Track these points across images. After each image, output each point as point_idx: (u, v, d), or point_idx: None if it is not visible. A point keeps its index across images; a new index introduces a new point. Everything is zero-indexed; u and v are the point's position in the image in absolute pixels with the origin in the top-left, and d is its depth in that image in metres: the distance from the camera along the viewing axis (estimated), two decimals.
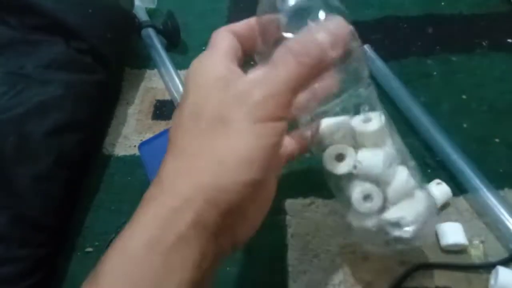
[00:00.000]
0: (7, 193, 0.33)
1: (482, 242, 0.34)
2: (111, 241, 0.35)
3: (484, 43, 0.49)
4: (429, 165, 0.39)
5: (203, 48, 0.53)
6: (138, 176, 0.40)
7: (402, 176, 0.27)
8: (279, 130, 0.20)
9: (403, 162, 0.28)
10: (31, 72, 0.40)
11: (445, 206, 0.36)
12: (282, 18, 0.23)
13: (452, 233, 0.33)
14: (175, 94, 0.45)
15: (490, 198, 0.34)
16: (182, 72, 0.49)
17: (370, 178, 0.26)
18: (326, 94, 0.25)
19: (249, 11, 0.63)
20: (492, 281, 0.31)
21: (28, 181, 0.34)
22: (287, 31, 0.22)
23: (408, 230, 0.26)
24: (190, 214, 0.19)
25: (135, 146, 0.43)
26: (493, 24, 0.51)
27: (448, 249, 0.34)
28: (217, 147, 0.20)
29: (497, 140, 0.40)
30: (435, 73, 0.47)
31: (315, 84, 0.23)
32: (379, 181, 0.26)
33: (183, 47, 0.52)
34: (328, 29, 0.21)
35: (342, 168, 0.26)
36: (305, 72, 0.20)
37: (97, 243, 0.36)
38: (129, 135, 0.44)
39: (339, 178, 0.27)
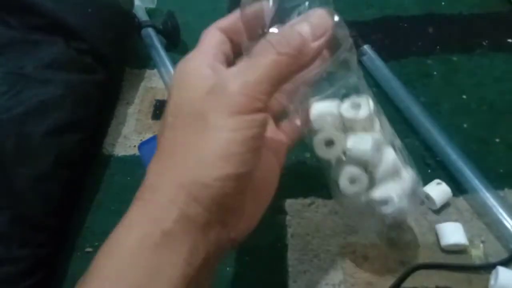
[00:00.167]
0: (7, 193, 0.33)
1: (482, 242, 0.34)
2: None
3: (484, 43, 0.49)
4: (429, 165, 0.39)
5: None
6: (138, 176, 0.40)
7: (389, 157, 0.27)
8: (258, 122, 0.20)
9: (390, 142, 0.28)
10: (31, 72, 0.40)
11: (445, 206, 0.36)
12: (266, 11, 0.23)
13: (453, 233, 0.33)
14: None
15: (490, 199, 0.34)
16: None
17: (358, 162, 0.27)
18: (313, 81, 0.25)
19: None
20: (492, 281, 0.31)
21: (28, 181, 0.34)
22: (271, 25, 0.22)
23: (394, 208, 0.27)
24: (175, 211, 0.19)
25: (135, 146, 0.43)
26: (493, 24, 0.51)
27: (448, 249, 0.34)
28: (195, 143, 0.20)
29: (497, 140, 0.40)
30: (435, 73, 0.47)
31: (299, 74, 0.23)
32: (368, 164, 0.27)
33: (183, 47, 0.52)
34: (309, 21, 0.21)
35: (331, 154, 0.27)
36: (284, 62, 0.20)
37: (97, 243, 0.36)
38: (129, 135, 0.44)
39: (329, 162, 0.28)
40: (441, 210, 0.36)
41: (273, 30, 0.22)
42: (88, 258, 0.35)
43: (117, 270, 0.19)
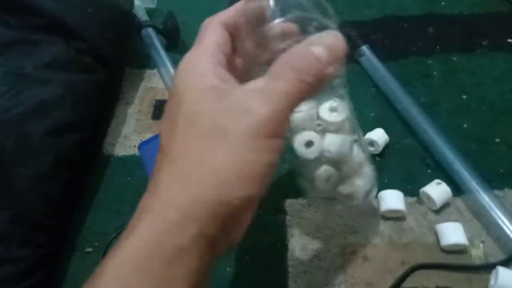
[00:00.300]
0: (7, 193, 0.33)
1: (482, 242, 0.34)
2: (111, 241, 0.35)
3: (484, 43, 0.49)
4: (429, 165, 0.39)
5: None
6: (138, 176, 0.40)
7: (356, 156, 0.30)
8: (279, 146, 0.20)
9: (357, 140, 0.31)
10: (31, 72, 0.40)
11: (445, 206, 0.36)
12: (270, 4, 0.22)
13: (453, 233, 0.33)
14: None
15: (490, 199, 0.34)
16: None
17: (334, 161, 0.30)
18: None
19: None
20: (492, 281, 0.31)
21: (28, 181, 0.34)
22: (273, 19, 0.22)
23: (357, 201, 0.32)
24: (194, 228, 0.19)
25: (135, 146, 0.43)
26: (493, 24, 0.51)
27: (448, 249, 0.34)
28: (217, 160, 0.19)
29: (497, 140, 0.40)
30: (435, 73, 0.47)
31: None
32: (340, 163, 0.30)
33: (183, 46, 0.52)
34: (326, 45, 0.21)
35: (310, 154, 0.29)
36: (305, 90, 0.20)
37: (97, 243, 0.36)
38: (129, 135, 0.44)
39: (307, 161, 0.29)
40: (441, 210, 0.36)
41: (277, 20, 0.22)
42: (88, 258, 0.36)
43: (123, 280, 0.19)
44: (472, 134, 0.41)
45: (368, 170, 0.32)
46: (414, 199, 0.37)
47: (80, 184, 0.40)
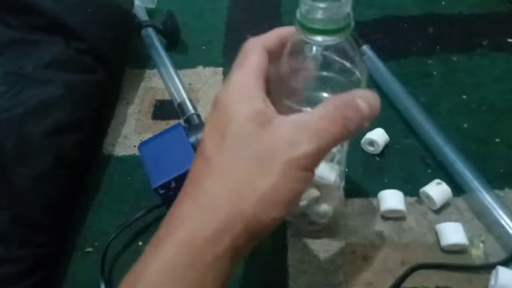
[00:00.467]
0: (7, 193, 0.33)
1: (482, 242, 0.34)
2: (111, 241, 0.35)
3: (484, 43, 0.49)
4: (429, 165, 0.39)
5: (203, 47, 0.53)
6: (138, 176, 0.40)
7: (336, 180, 0.32)
8: (311, 178, 0.22)
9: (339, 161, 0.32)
10: (31, 72, 0.40)
11: (445, 206, 0.36)
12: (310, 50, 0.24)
13: (453, 233, 0.33)
14: (175, 94, 0.45)
15: (490, 199, 0.34)
16: (182, 72, 0.49)
17: (319, 185, 0.32)
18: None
19: (249, 11, 0.64)
20: (492, 281, 0.31)
21: (28, 181, 0.34)
22: (310, 63, 0.24)
23: (328, 219, 0.35)
24: (229, 239, 0.21)
25: (135, 146, 0.43)
26: (494, 24, 0.51)
27: (449, 249, 0.34)
28: (261, 184, 0.21)
29: (497, 140, 0.40)
30: (435, 73, 0.47)
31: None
32: (322, 186, 0.32)
33: (183, 46, 0.52)
34: (369, 102, 0.23)
35: None
36: (346, 136, 0.22)
37: (97, 243, 0.36)
38: (129, 135, 0.44)
39: None
40: (441, 210, 0.36)
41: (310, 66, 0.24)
42: (88, 258, 0.36)
43: (164, 282, 0.20)
44: (472, 134, 0.41)
45: (341, 195, 0.35)
46: (414, 199, 0.37)
47: (80, 184, 0.40)
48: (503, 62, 0.47)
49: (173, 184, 0.34)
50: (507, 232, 0.33)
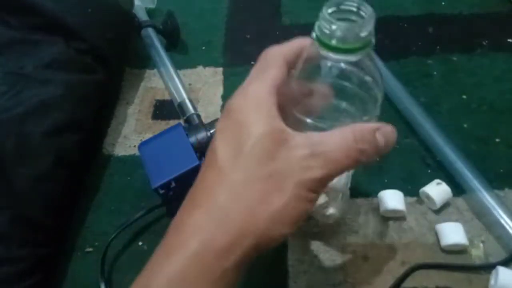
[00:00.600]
0: (7, 193, 0.33)
1: (482, 242, 0.34)
2: (111, 241, 0.35)
3: (484, 43, 0.49)
4: (429, 165, 0.39)
5: (203, 47, 0.53)
6: (138, 176, 0.40)
7: (345, 188, 0.34)
8: (317, 198, 0.23)
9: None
10: (31, 72, 0.40)
11: (445, 206, 0.36)
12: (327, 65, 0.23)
13: (453, 233, 0.33)
14: (175, 94, 0.45)
15: (490, 199, 0.34)
16: (181, 72, 0.49)
17: (327, 191, 0.32)
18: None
19: (249, 11, 0.63)
20: (492, 281, 0.31)
21: (28, 181, 0.34)
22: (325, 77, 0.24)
23: (333, 220, 0.35)
24: (239, 253, 0.21)
25: (134, 146, 0.43)
26: (494, 24, 0.51)
27: (449, 249, 0.34)
28: (274, 203, 0.22)
29: (497, 140, 0.40)
30: (435, 73, 0.47)
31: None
32: (331, 192, 0.33)
33: (183, 46, 0.52)
34: (387, 138, 0.23)
35: None
36: (355, 165, 0.23)
37: (96, 243, 0.36)
38: (128, 135, 0.44)
39: None
40: (441, 210, 0.36)
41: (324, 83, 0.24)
42: (88, 258, 0.36)
43: None
44: (472, 134, 0.41)
45: (347, 194, 0.35)
46: (414, 199, 0.37)
47: (80, 184, 0.40)
48: (503, 62, 0.47)
49: (173, 184, 0.34)
50: (507, 232, 0.33)
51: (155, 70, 0.50)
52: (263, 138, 0.22)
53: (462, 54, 0.48)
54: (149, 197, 0.37)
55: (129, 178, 0.41)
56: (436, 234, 0.35)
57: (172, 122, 0.45)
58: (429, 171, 0.39)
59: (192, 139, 0.36)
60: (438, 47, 0.49)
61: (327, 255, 0.34)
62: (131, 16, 0.51)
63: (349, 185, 0.34)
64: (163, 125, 0.45)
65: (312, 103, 0.25)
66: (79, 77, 0.42)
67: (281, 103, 0.24)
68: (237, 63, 0.50)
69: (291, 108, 0.24)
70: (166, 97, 0.47)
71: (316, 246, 0.35)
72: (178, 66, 0.49)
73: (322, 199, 0.33)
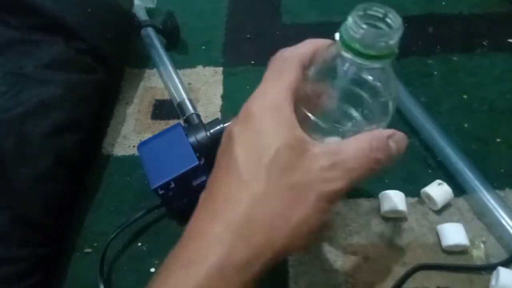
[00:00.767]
0: (7, 193, 0.33)
1: (483, 242, 0.34)
2: (110, 241, 0.35)
3: (484, 43, 0.49)
4: (430, 165, 0.39)
5: (203, 47, 0.53)
6: (137, 177, 0.40)
7: None
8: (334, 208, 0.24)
9: None
10: (31, 72, 0.39)
11: (446, 206, 0.36)
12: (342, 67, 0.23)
13: (454, 234, 0.33)
14: (175, 94, 0.45)
15: (491, 200, 0.34)
16: (181, 72, 0.49)
17: None
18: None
19: (249, 11, 0.63)
20: (493, 282, 0.31)
21: (28, 181, 0.34)
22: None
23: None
24: (257, 267, 0.21)
25: (134, 146, 0.43)
26: (494, 24, 0.51)
27: (450, 250, 0.34)
28: (295, 216, 0.22)
29: (498, 140, 0.40)
30: (435, 72, 0.47)
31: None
32: None
33: (182, 46, 0.52)
34: (399, 146, 0.24)
35: None
36: (371, 174, 0.23)
37: (96, 244, 0.36)
38: (128, 135, 0.44)
39: None
40: (442, 211, 0.36)
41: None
42: (88, 259, 0.35)
43: None
44: (473, 134, 0.41)
45: None
46: (415, 199, 0.37)
47: (79, 184, 0.40)
48: (503, 62, 0.47)
49: (173, 185, 0.34)
50: (508, 232, 0.33)
51: (154, 70, 0.50)
52: (284, 148, 0.22)
53: (463, 54, 0.48)
54: (148, 198, 0.37)
55: (128, 178, 0.41)
56: (437, 235, 0.35)
57: (172, 122, 0.45)
58: (430, 171, 0.39)
59: (192, 139, 0.36)
60: (438, 47, 0.49)
61: (328, 255, 0.34)
62: (131, 15, 0.51)
63: None
64: (162, 125, 0.45)
65: (321, 102, 0.25)
66: (79, 77, 0.41)
67: (295, 104, 0.24)
68: (237, 63, 0.50)
69: (299, 104, 0.24)
70: (166, 96, 0.47)
71: (317, 246, 0.35)
72: (177, 65, 0.49)
73: None
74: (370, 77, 0.23)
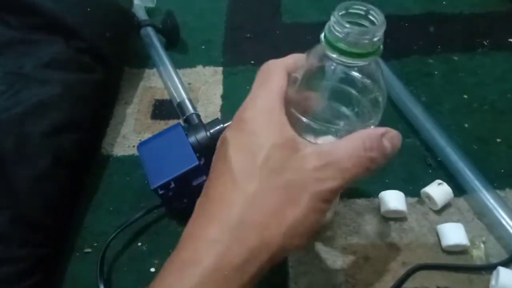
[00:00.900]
0: (7, 193, 0.33)
1: (483, 242, 0.34)
2: (110, 241, 0.35)
3: (485, 43, 0.49)
4: (431, 165, 0.39)
5: (203, 47, 0.53)
6: (137, 177, 0.40)
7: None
8: (330, 208, 0.24)
9: None
10: (30, 71, 0.39)
11: (446, 206, 0.36)
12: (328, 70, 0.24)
13: (454, 234, 0.33)
14: (174, 94, 0.45)
15: (491, 200, 0.34)
16: (181, 71, 0.49)
17: None
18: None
19: (248, 10, 0.63)
20: (493, 282, 0.31)
21: (28, 181, 0.34)
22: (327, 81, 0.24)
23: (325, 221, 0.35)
24: (254, 268, 0.21)
25: (133, 146, 0.43)
26: (494, 23, 0.51)
27: (450, 250, 0.34)
28: (290, 215, 0.22)
29: (498, 140, 0.40)
30: (436, 72, 0.47)
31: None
32: None
33: (182, 46, 0.52)
34: (393, 143, 0.23)
35: None
36: (366, 173, 0.23)
37: (96, 244, 0.36)
38: (127, 135, 0.44)
39: None
40: (442, 211, 0.36)
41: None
42: (87, 259, 0.35)
43: None
44: (473, 134, 0.41)
45: (337, 199, 0.35)
46: (415, 199, 0.37)
47: (79, 184, 0.40)
48: (504, 62, 0.47)
49: (172, 185, 0.34)
50: (508, 232, 0.33)
51: (154, 70, 0.50)
52: (276, 148, 0.22)
53: (463, 54, 0.48)
54: (148, 198, 0.37)
55: (128, 178, 0.41)
56: (437, 235, 0.35)
57: (172, 122, 0.45)
58: (430, 171, 0.39)
59: (192, 139, 0.36)
60: (439, 46, 0.49)
61: (328, 255, 0.34)
62: (131, 15, 0.51)
63: None
64: (162, 125, 0.45)
65: (312, 104, 0.25)
66: (78, 76, 0.41)
67: (286, 108, 0.24)
68: (237, 63, 0.50)
69: (290, 108, 0.24)
70: (166, 96, 0.47)
71: (317, 246, 0.35)
72: (177, 65, 0.49)
73: None
74: (358, 75, 0.23)
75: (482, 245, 0.34)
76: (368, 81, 0.24)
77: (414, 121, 0.41)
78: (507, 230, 0.33)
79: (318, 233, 0.35)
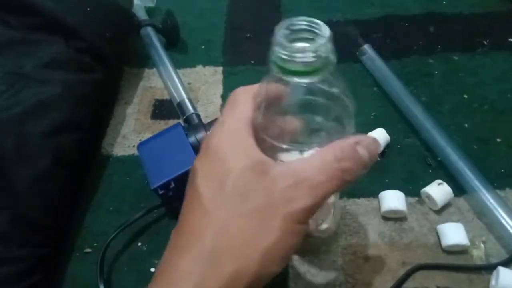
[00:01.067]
0: (7, 193, 0.33)
1: (483, 242, 0.34)
2: (110, 241, 0.35)
3: (485, 42, 0.49)
4: (431, 165, 0.39)
5: (203, 47, 0.53)
6: (137, 176, 0.40)
7: (337, 200, 0.33)
8: (307, 229, 0.22)
9: None
10: (30, 71, 0.39)
11: (446, 206, 0.36)
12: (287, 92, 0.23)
13: (454, 234, 0.33)
14: (174, 94, 0.45)
15: (491, 199, 0.34)
16: (181, 71, 0.49)
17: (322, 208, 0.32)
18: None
19: (248, 10, 0.63)
20: (493, 282, 0.31)
21: (28, 181, 0.34)
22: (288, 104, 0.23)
23: (327, 233, 0.34)
24: None
25: (133, 146, 0.43)
26: (495, 23, 0.51)
27: (450, 250, 0.34)
28: (262, 241, 0.21)
29: (498, 140, 0.40)
30: (436, 72, 0.46)
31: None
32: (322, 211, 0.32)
33: (182, 46, 0.52)
34: (370, 150, 0.22)
35: None
36: (342, 187, 0.22)
37: (95, 244, 0.36)
38: (127, 135, 0.44)
39: None
40: (442, 211, 0.36)
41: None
42: (87, 259, 0.35)
43: None
44: (473, 134, 0.41)
45: (340, 206, 0.35)
46: (415, 199, 0.37)
47: (79, 184, 0.40)
48: (504, 62, 0.47)
49: (172, 185, 0.34)
50: (508, 232, 0.33)
51: (154, 70, 0.50)
52: (243, 172, 0.21)
53: (463, 54, 0.48)
54: (148, 198, 0.37)
55: (128, 178, 0.41)
56: (437, 235, 0.35)
57: (172, 122, 0.45)
58: (430, 171, 0.39)
59: (192, 139, 0.36)
60: (439, 46, 0.49)
61: (328, 256, 0.34)
62: (131, 15, 0.51)
63: (338, 195, 0.34)
64: (162, 124, 0.45)
65: (286, 128, 0.24)
66: (78, 76, 0.41)
67: (256, 134, 0.23)
68: (237, 63, 0.50)
69: (265, 137, 0.24)
70: (165, 96, 0.47)
71: (316, 247, 0.35)
72: (177, 65, 0.49)
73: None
74: (319, 87, 0.22)
75: (482, 245, 0.34)
76: (330, 89, 0.23)
77: (414, 121, 0.41)
78: (507, 230, 0.33)
79: (318, 249, 0.34)
